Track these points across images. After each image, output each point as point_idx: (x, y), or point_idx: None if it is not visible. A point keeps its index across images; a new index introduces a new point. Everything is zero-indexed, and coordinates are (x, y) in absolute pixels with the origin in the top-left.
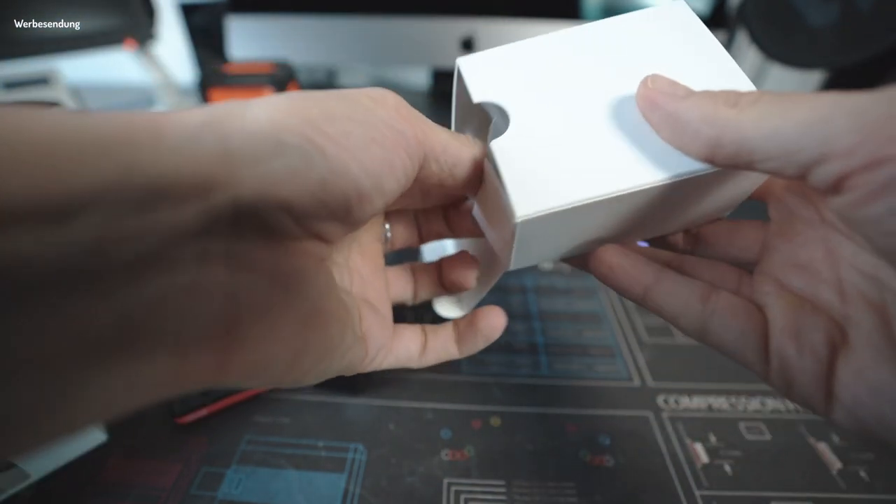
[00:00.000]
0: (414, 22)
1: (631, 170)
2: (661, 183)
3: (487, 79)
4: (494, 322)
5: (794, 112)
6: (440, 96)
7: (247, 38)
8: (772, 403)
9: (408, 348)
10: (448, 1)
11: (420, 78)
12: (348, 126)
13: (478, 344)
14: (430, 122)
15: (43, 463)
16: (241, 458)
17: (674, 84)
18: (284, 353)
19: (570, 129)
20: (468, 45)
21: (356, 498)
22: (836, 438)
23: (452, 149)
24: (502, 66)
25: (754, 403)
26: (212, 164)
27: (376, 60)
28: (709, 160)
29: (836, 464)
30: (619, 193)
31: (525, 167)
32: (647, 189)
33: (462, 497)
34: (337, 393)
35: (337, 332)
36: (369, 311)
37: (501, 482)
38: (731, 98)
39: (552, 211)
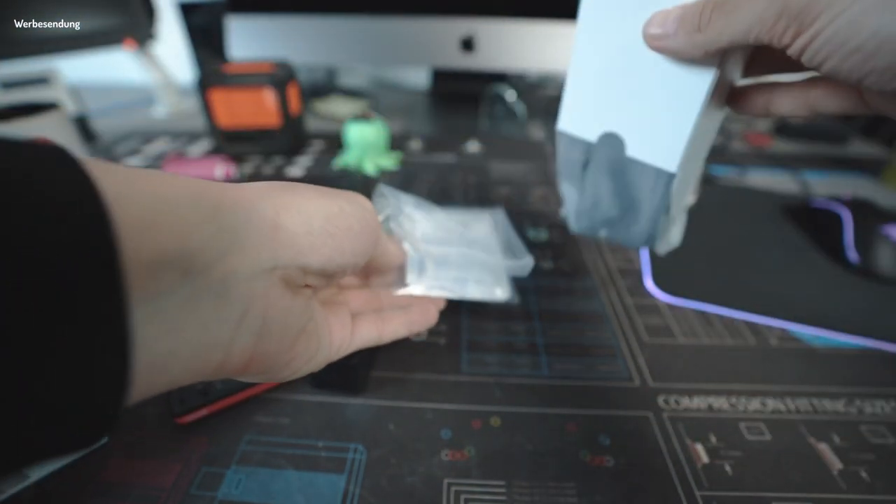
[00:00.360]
0: (414, 22)
1: (689, 90)
2: (710, 79)
3: (580, 128)
4: (436, 312)
5: (735, 16)
6: (440, 96)
7: (246, 38)
8: (772, 404)
9: (362, 336)
10: (448, 1)
11: (420, 78)
12: (351, 222)
13: (421, 327)
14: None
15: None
16: (241, 459)
17: (657, 32)
18: (282, 360)
19: (641, 107)
20: (468, 45)
21: (356, 498)
22: (836, 439)
23: (385, 241)
24: (580, 116)
25: (755, 404)
26: (266, 232)
27: (376, 60)
28: (710, 60)
29: (836, 464)
30: (697, 113)
31: (649, 146)
32: (707, 87)
33: (462, 497)
34: (337, 393)
35: (314, 344)
36: (333, 316)
37: (501, 482)
38: (694, 25)
39: (685, 150)
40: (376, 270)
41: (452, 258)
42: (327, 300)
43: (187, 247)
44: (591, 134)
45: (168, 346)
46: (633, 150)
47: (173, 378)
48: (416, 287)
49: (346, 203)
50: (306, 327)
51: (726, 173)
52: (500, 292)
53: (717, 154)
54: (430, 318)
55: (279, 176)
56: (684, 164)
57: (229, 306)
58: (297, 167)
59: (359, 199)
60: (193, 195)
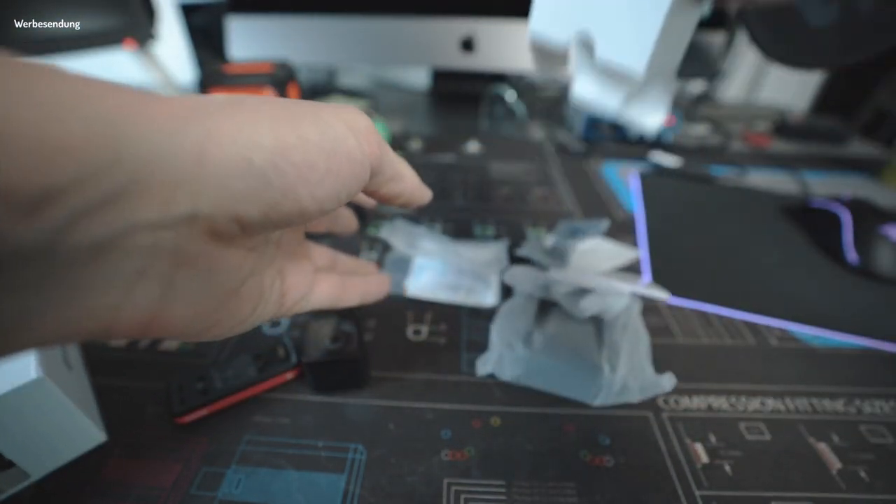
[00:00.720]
0: (414, 22)
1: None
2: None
3: (552, 29)
4: (388, 287)
5: None
6: (440, 96)
7: (247, 38)
8: (772, 403)
9: (321, 296)
10: (448, 1)
11: (420, 78)
12: (314, 156)
13: (374, 299)
14: (385, 143)
15: (42, 463)
16: (241, 458)
17: None
18: (198, 326)
19: (609, 5)
20: (468, 45)
21: (356, 498)
22: (836, 438)
23: (398, 166)
24: (550, 16)
25: (754, 403)
26: (184, 170)
27: (376, 60)
28: None
29: (836, 464)
30: (665, 9)
31: (617, 45)
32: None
33: (462, 497)
34: (337, 393)
35: (248, 308)
36: (293, 266)
37: (501, 482)
38: None
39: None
40: (384, 198)
41: (449, 267)
42: (290, 251)
43: (47, 181)
44: (563, 34)
45: (8, 310)
46: (603, 51)
47: (24, 345)
48: (414, 290)
49: (312, 128)
50: (239, 291)
51: (726, 173)
52: (488, 299)
53: (717, 154)
54: (383, 290)
55: None
56: (653, 64)
57: (118, 263)
58: None
59: (339, 117)
60: (75, 99)
